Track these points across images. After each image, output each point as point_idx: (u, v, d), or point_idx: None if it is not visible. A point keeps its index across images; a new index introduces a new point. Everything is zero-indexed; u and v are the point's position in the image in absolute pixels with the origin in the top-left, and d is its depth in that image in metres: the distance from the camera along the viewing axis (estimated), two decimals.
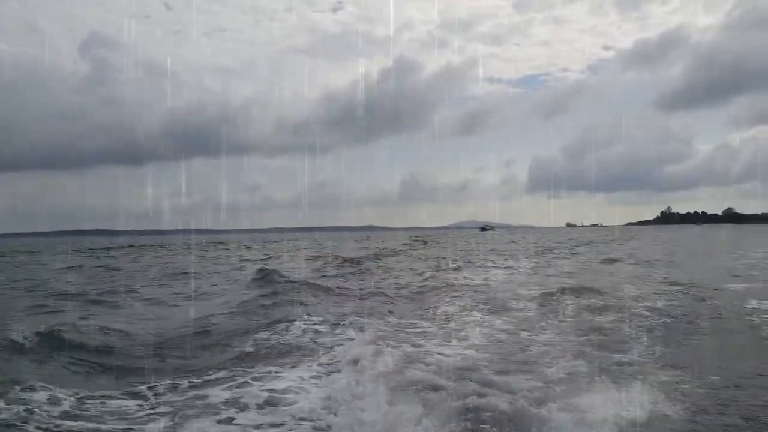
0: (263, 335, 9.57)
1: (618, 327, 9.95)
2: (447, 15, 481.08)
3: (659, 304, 12.47)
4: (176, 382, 6.66)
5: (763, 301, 12.38)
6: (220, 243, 60.72)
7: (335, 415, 5.35)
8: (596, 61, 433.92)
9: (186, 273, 22.03)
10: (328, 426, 5.20)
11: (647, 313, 11.31)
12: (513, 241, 53.55)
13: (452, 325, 10.64)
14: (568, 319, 11.04)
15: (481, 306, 12.72)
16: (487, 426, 5.06)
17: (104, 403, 5.93)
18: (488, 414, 5.31)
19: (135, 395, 6.20)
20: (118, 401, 6.00)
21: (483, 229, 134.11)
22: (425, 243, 51.89)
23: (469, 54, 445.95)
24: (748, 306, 11.92)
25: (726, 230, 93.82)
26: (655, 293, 14.39)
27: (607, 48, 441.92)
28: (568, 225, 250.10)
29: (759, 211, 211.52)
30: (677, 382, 6.54)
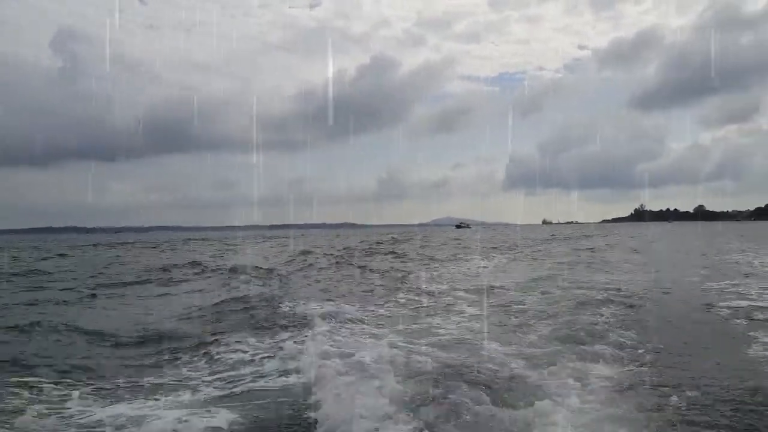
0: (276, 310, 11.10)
1: (584, 306, 11.05)
2: (424, 13, 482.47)
3: (621, 286, 13.73)
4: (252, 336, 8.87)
5: (720, 283, 14.00)
6: (204, 240, 60.83)
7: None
8: (571, 60, 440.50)
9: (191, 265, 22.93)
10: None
11: (607, 293, 12.45)
12: (488, 239, 54.75)
13: (445, 303, 11.92)
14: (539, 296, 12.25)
15: (466, 289, 13.86)
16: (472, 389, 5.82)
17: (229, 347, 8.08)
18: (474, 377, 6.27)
19: (241, 344, 8.33)
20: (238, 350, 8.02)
21: (458, 226, 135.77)
22: (400, 241, 52.80)
23: (446, 52, 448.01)
24: (701, 285, 13.28)
25: (696, 227, 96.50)
26: (616, 279, 15.65)
27: (582, 47, 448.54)
28: (544, 222, 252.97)
29: (729, 209, 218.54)
30: (631, 347, 7.68)
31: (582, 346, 7.56)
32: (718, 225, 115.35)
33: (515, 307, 11.28)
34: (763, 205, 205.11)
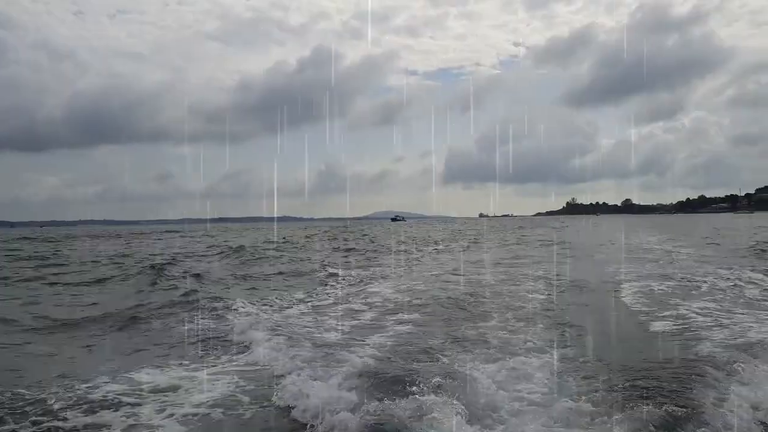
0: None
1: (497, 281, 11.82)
2: (361, 6, 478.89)
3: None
4: None
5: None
6: (142, 234, 58.33)
7: None
8: (508, 56, 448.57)
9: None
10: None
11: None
12: (411, 233, 55.31)
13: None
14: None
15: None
16: None
17: None
18: None
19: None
20: None
21: (394, 219, 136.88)
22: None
23: (385, 46, 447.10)
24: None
25: (618, 220, 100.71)
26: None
27: (517, 44, 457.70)
28: (481, 215, 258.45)
29: (654, 202, 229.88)
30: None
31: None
32: (641, 218, 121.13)
33: None
34: (684, 200, 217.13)
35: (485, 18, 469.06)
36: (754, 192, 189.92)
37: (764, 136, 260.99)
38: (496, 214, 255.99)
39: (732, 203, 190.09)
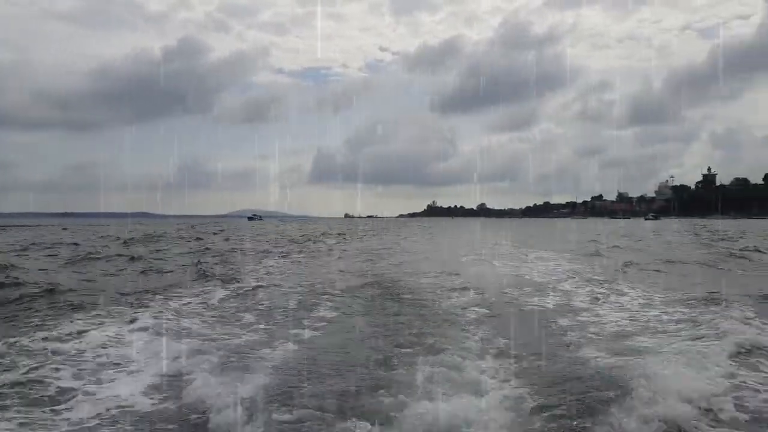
0: None
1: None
2: None
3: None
4: None
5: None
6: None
7: None
8: (374, 60, 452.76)
9: None
10: None
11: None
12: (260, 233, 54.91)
13: None
14: None
15: None
16: None
17: None
18: None
19: None
20: None
21: (250, 218, 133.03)
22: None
23: (251, 41, 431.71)
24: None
25: (470, 222, 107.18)
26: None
27: (383, 49, 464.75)
28: (347, 216, 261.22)
29: (506, 207, 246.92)
30: None
31: None
32: (492, 221, 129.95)
33: None
34: (531, 205, 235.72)
35: (352, 20, 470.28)
36: (589, 199, 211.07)
37: (601, 150, 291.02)
38: (361, 215, 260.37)
39: (571, 209, 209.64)
